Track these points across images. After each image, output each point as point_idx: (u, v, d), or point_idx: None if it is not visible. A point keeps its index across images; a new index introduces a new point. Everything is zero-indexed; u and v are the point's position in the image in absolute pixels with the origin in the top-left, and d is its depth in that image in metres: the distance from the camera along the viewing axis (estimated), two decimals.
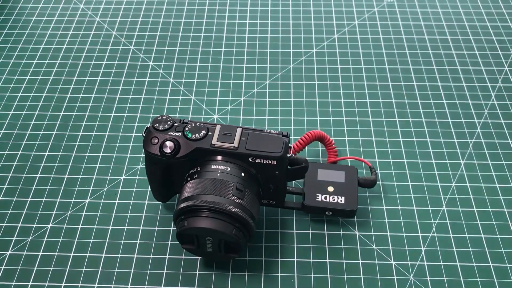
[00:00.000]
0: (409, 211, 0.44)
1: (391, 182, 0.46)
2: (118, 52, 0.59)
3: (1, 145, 0.49)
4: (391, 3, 0.66)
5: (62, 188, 0.46)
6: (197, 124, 0.38)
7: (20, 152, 0.49)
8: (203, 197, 0.35)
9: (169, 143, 0.37)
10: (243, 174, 0.37)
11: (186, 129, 0.38)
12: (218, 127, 0.38)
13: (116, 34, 0.61)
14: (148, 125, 0.39)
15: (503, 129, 0.51)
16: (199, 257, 0.41)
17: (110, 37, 0.61)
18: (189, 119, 0.37)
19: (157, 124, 0.39)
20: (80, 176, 0.47)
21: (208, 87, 0.55)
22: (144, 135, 0.39)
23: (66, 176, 0.47)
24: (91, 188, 0.46)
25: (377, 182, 0.46)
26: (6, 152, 0.49)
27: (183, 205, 0.36)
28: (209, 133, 0.38)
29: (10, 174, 0.47)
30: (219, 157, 0.37)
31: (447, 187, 0.46)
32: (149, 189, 0.45)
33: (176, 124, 0.39)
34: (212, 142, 0.37)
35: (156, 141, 0.38)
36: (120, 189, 0.46)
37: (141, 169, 0.47)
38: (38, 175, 0.47)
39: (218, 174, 0.36)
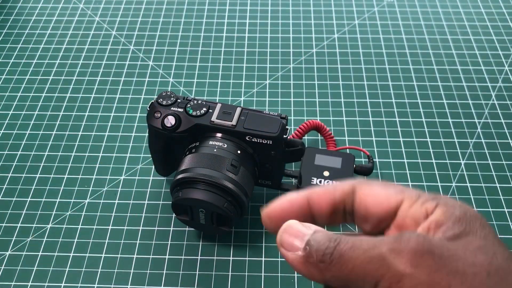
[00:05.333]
0: None
1: (391, 182, 0.46)
2: (118, 52, 0.59)
3: (1, 145, 0.49)
4: (391, 3, 0.66)
5: (62, 188, 0.46)
6: (199, 102, 0.40)
7: (19, 152, 0.49)
8: (199, 170, 0.37)
9: (170, 118, 0.39)
10: (239, 152, 0.38)
11: (188, 105, 0.40)
12: (219, 106, 0.40)
13: (116, 34, 0.61)
14: (153, 100, 0.40)
15: (503, 129, 0.51)
16: (199, 257, 0.41)
17: (109, 37, 0.61)
18: (192, 97, 0.38)
19: (161, 99, 0.40)
20: (80, 176, 0.47)
21: (208, 87, 0.55)
22: (148, 109, 0.40)
23: (66, 176, 0.47)
24: (90, 188, 0.46)
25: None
26: (5, 152, 0.49)
27: (179, 176, 0.37)
28: (210, 110, 0.39)
29: (10, 174, 0.47)
30: (218, 134, 0.39)
31: (447, 187, 0.46)
32: (149, 189, 0.45)
33: (179, 101, 0.40)
34: (212, 119, 0.39)
35: (159, 115, 0.39)
36: (119, 189, 0.45)
37: (141, 169, 0.47)
38: (38, 175, 0.47)
39: (215, 150, 0.38)
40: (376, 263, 0.16)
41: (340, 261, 0.16)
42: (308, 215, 0.19)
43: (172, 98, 0.40)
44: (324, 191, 0.19)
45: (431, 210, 0.18)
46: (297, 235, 0.18)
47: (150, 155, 0.48)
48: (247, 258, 0.41)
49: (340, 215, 0.20)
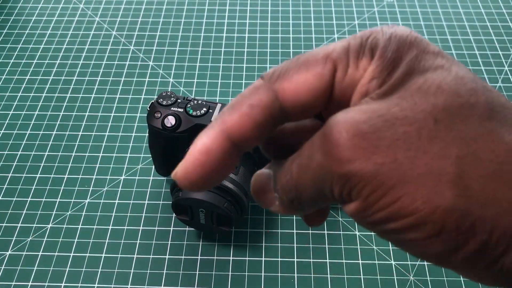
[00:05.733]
0: None
1: None
2: (118, 52, 0.59)
3: (1, 145, 0.49)
4: (391, 3, 0.66)
5: (62, 188, 0.46)
6: (199, 102, 0.40)
7: (20, 152, 0.49)
8: None
9: (171, 118, 0.39)
10: None
11: (188, 105, 0.40)
12: (219, 106, 0.40)
13: (116, 34, 0.61)
14: (153, 100, 0.40)
15: None
16: (199, 257, 0.41)
17: (110, 37, 0.61)
18: (193, 97, 0.38)
19: (161, 99, 0.40)
20: (80, 176, 0.47)
21: (208, 87, 0.55)
22: (148, 109, 0.40)
23: (66, 176, 0.47)
24: (91, 188, 0.46)
25: None
26: (6, 152, 0.49)
27: None
28: (210, 110, 0.40)
29: (10, 174, 0.47)
30: None
31: None
32: (149, 189, 0.45)
33: (179, 101, 0.40)
34: (212, 119, 0.39)
35: (159, 115, 0.40)
36: (120, 189, 0.46)
37: (141, 169, 0.47)
38: (38, 175, 0.47)
39: None
40: (322, 176, 0.14)
41: (299, 191, 0.15)
42: (234, 153, 0.15)
43: (172, 98, 0.40)
44: (239, 117, 0.15)
45: (367, 65, 0.15)
46: (265, 191, 0.17)
47: (150, 155, 0.48)
48: (247, 258, 0.41)
49: (269, 130, 0.16)
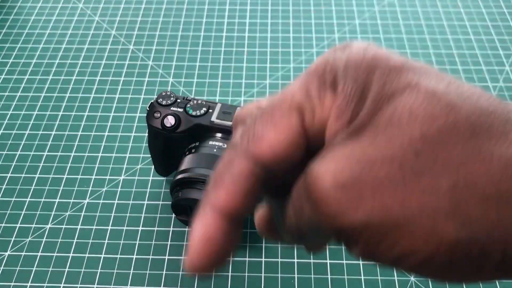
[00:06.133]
0: None
1: None
2: (118, 52, 0.59)
3: (0, 145, 0.49)
4: (392, 2, 0.66)
5: (61, 188, 0.45)
6: (199, 102, 0.40)
7: (19, 152, 0.48)
8: (198, 170, 0.37)
9: (170, 118, 0.39)
10: None
11: (188, 105, 0.40)
12: (218, 105, 0.40)
13: (116, 34, 0.61)
14: (153, 100, 0.40)
15: None
16: None
17: (109, 36, 0.61)
18: (192, 97, 0.38)
19: (160, 99, 0.40)
20: (79, 176, 0.46)
21: (208, 87, 0.55)
22: (148, 109, 0.40)
23: (65, 176, 0.46)
24: (90, 189, 0.45)
25: None
26: (5, 152, 0.48)
27: (179, 177, 0.37)
28: (210, 110, 0.39)
29: (9, 174, 0.47)
30: (218, 134, 0.39)
31: None
32: (148, 189, 0.45)
33: (179, 100, 0.40)
34: (212, 119, 0.39)
35: (159, 115, 0.39)
36: (119, 189, 0.45)
37: (141, 169, 0.47)
38: (37, 175, 0.46)
39: (215, 150, 0.38)
40: (317, 227, 0.13)
41: (303, 232, 0.15)
42: (234, 227, 0.15)
43: (172, 98, 0.40)
44: (227, 192, 0.15)
45: (332, 102, 0.14)
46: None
47: (149, 155, 0.48)
48: (247, 259, 0.41)
49: (260, 193, 0.16)
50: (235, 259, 0.41)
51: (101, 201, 0.44)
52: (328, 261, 0.40)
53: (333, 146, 0.13)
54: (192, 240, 0.15)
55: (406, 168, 0.12)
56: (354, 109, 0.13)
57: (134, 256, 0.41)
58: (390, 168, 0.12)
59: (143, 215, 0.44)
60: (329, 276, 0.39)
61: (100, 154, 0.48)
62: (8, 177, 0.46)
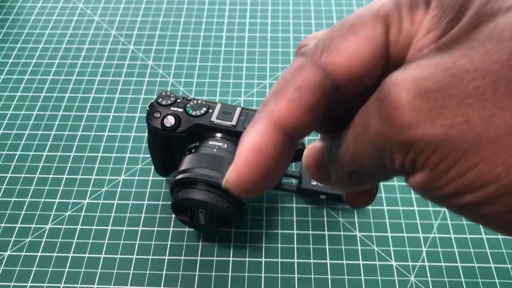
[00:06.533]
0: (410, 211, 0.44)
1: (392, 183, 0.46)
2: (117, 52, 0.59)
3: (0, 145, 0.49)
4: None
5: (61, 188, 0.45)
6: (199, 102, 0.40)
7: (18, 152, 0.48)
8: (198, 170, 0.37)
9: (170, 118, 0.39)
10: None
11: (188, 105, 0.40)
12: (218, 105, 0.40)
13: (116, 34, 0.61)
14: (153, 100, 0.40)
15: None
16: (198, 258, 0.41)
17: (109, 36, 0.61)
18: (192, 97, 0.38)
19: (160, 99, 0.40)
20: (79, 177, 0.46)
21: (208, 87, 0.55)
22: (148, 109, 0.40)
23: (65, 176, 0.46)
24: (90, 189, 0.45)
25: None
26: (4, 152, 0.48)
27: (179, 177, 0.37)
28: (210, 110, 0.39)
29: (9, 174, 0.47)
30: (218, 134, 0.39)
31: None
32: (148, 190, 0.45)
33: (179, 100, 0.40)
34: (212, 119, 0.39)
35: (159, 115, 0.39)
36: (119, 189, 0.45)
37: (141, 169, 0.47)
38: (37, 175, 0.46)
39: (215, 150, 0.38)
40: (380, 145, 0.12)
41: (357, 163, 0.13)
42: (288, 145, 0.14)
43: (171, 98, 0.40)
44: (287, 104, 0.13)
45: (422, 17, 0.13)
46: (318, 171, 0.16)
47: (149, 155, 0.48)
48: (247, 259, 0.41)
49: (323, 111, 0.14)
50: (235, 259, 0.41)
51: (101, 201, 0.44)
52: (328, 261, 0.40)
53: (417, 59, 0.12)
54: (240, 150, 0.13)
55: (500, 84, 0.11)
56: (448, 25, 0.12)
57: (134, 256, 0.41)
58: (482, 81, 0.11)
59: (143, 215, 0.43)
60: (329, 276, 0.39)
61: (100, 154, 0.48)
62: (8, 177, 0.46)
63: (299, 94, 0.13)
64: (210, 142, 0.38)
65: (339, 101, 0.15)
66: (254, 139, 0.13)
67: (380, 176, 0.13)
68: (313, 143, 0.17)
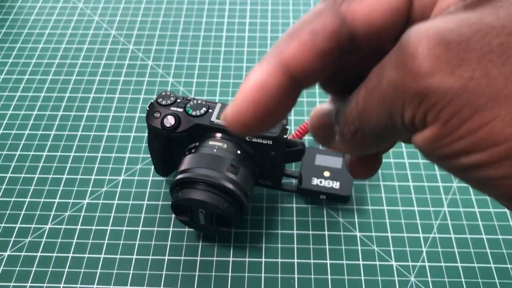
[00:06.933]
0: (410, 211, 0.44)
1: (392, 183, 0.46)
2: (117, 52, 0.59)
3: (0, 145, 0.49)
4: None
5: (61, 188, 0.45)
6: (199, 102, 0.40)
7: (18, 152, 0.48)
8: (198, 170, 0.37)
9: (170, 118, 0.39)
10: (239, 152, 0.38)
11: (188, 105, 0.39)
12: (218, 105, 0.40)
13: (115, 34, 0.61)
14: (152, 100, 0.40)
15: None
16: (198, 258, 0.41)
17: (109, 36, 0.61)
18: (192, 97, 0.38)
19: (160, 99, 0.40)
20: (79, 177, 0.46)
21: (208, 87, 0.55)
22: (148, 109, 0.40)
23: (65, 176, 0.46)
24: (89, 189, 0.45)
25: (378, 183, 0.45)
26: (4, 152, 0.48)
27: (179, 177, 0.37)
28: (210, 110, 0.39)
29: (9, 174, 0.46)
30: (218, 134, 0.39)
31: (448, 187, 0.46)
32: (148, 190, 0.45)
33: (179, 100, 0.40)
34: (212, 119, 0.39)
35: (158, 115, 0.39)
36: (119, 189, 0.45)
37: (140, 169, 0.47)
38: (37, 176, 0.46)
39: (215, 150, 0.38)
40: (392, 96, 0.12)
41: (364, 118, 0.13)
42: (293, 90, 0.13)
43: (171, 98, 0.40)
44: (299, 46, 0.13)
45: None
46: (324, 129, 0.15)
47: (149, 155, 0.48)
48: (247, 259, 0.41)
49: (335, 62, 0.13)
50: (235, 259, 0.41)
51: (101, 201, 0.44)
52: (328, 261, 0.40)
53: (443, 14, 0.12)
54: (243, 86, 0.13)
55: None
56: None
57: (134, 256, 0.41)
58: (507, 38, 0.10)
59: (143, 215, 0.43)
60: (329, 276, 0.39)
61: (99, 154, 0.48)
62: (7, 177, 0.46)
63: (313, 38, 0.12)
64: (210, 142, 0.38)
65: (353, 60, 0.14)
66: (259, 77, 0.13)
67: (385, 136, 0.13)
68: (321, 104, 0.16)
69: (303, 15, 0.13)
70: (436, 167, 0.47)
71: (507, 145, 0.10)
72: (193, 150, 0.39)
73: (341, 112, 0.14)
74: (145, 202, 0.44)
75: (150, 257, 0.41)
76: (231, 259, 0.41)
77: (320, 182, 0.42)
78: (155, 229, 0.43)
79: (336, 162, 0.43)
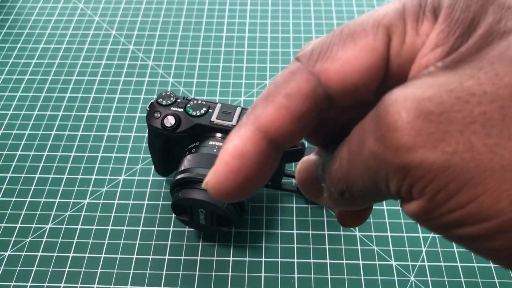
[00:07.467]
0: None
1: None
2: (118, 52, 0.59)
3: (0, 145, 0.49)
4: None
5: (61, 188, 0.46)
6: (199, 102, 0.40)
7: (19, 152, 0.48)
8: (198, 170, 0.37)
9: (170, 118, 0.39)
10: None
11: (188, 105, 0.40)
12: (218, 106, 0.40)
13: (116, 34, 0.61)
14: (153, 100, 0.40)
15: None
16: (198, 258, 0.41)
17: (109, 36, 0.61)
18: (192, 97, 0.38)
19: (160, 99, 0.40)
20: (79, 176, 0.46)
21: (208, 87, 0.55)
22: (148, 109, 0.40)
23: (65, 176, 0.46)
24: (90, 189, 0.45)
25: None
26: (5, 152, 0.48)
27: (179, 177, 0.37)
28: (210, 110, 0.39)
29: (9, 174, 0.47)
30: (218, 134, 0.39)
31: None
32: (148, 189, 0.45)
33: (179, 100, 0.40)
34: (212, 119, 0.39)
35: (159, 115, 0.40)
36: (119, 189, 0.45)
37: (141, 169, 0.47)
38: (37, 175, 0.46)
39: (215, 150, 0.38)
40: (375, 167, 0.11)
41: (350, 182, 0.13)
42: (273, 153, 0.13)
43: (172, 98, 0.40)
44: (275, 111, 0.12)
45: (429, 30, 0.12)
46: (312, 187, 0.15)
47: (149, 155, 0.48)
48: (247, 259, 0.41)
49: (313, 121, 0.13)
50: (235, 259, 0.41)
51: (101, 201, 0.44)
52: (328, 261, 0.40)
53: (421, 76, 0.11)
54: (223, 152, 0.13)
55: (509, 111, 0.10)
56: (456, 41, 0.11)
57: (134, 256, 0.41)
58: (489, 106, 0.10)
59: (143, 215, 0.44)
60: (329, 276, 0.39)
61: (100, 154, 0.48)
62: (8, 177, 0.46)
63: (288, 101, 0.12)
64: (210, 142, 0.38)
65: (334, 113, 0.14)
66: (237, 144, 0.13)
67: (373, 197, 0.13)
68: (307, 156, 0.16)
69: (278, 75, 0.13)
70: None
71: (497, 221, 0.10)
72: (193, 150, 0.39)
73: (327, 169, 0.14)
74: (145, 202, 0.44)
75: (151, 256, 0.41)
76: (231, 258, 0.41)
77: None
78: (155, 229, 0.43)
79: None
